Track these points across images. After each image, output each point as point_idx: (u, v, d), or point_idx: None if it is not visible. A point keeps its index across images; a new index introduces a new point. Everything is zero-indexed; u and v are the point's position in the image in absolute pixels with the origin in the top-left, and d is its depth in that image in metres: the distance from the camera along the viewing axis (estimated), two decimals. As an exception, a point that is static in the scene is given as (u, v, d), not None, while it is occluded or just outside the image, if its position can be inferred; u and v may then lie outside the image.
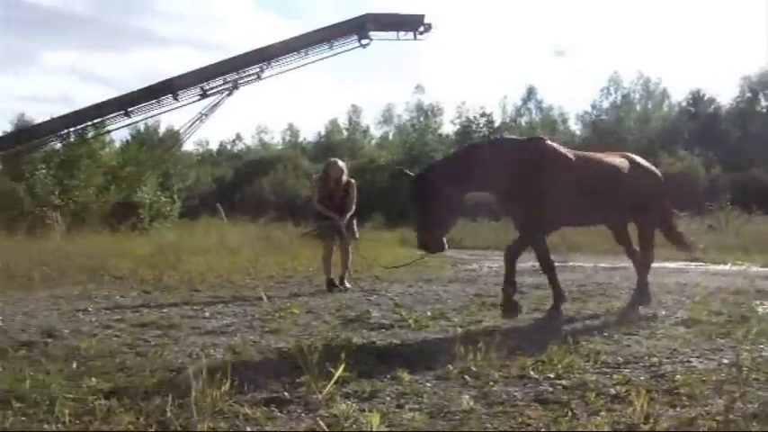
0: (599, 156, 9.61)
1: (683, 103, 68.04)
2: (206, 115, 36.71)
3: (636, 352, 6.45)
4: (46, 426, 4.26)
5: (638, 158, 9.86)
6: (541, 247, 8.77)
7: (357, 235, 12.89)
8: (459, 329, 7.73)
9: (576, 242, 22.39)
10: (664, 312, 8.85)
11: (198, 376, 4.60)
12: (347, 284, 12.23)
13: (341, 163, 12.76)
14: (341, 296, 11.01)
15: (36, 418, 4.39)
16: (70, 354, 6.37)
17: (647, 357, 6.19)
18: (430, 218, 8.05)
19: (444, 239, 8.12)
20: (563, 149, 8.97)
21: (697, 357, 6.23)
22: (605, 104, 68.55)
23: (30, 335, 7.52)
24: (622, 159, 9.55)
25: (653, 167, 9.91)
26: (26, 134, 36.98)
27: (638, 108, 67.75)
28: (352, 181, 12.66)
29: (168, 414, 4.36)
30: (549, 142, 9.03)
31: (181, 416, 4.36)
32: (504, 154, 8.52)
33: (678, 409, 4.64)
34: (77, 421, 4.35)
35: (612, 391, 5.03)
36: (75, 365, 5.75)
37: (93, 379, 5.19)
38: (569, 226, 10.91)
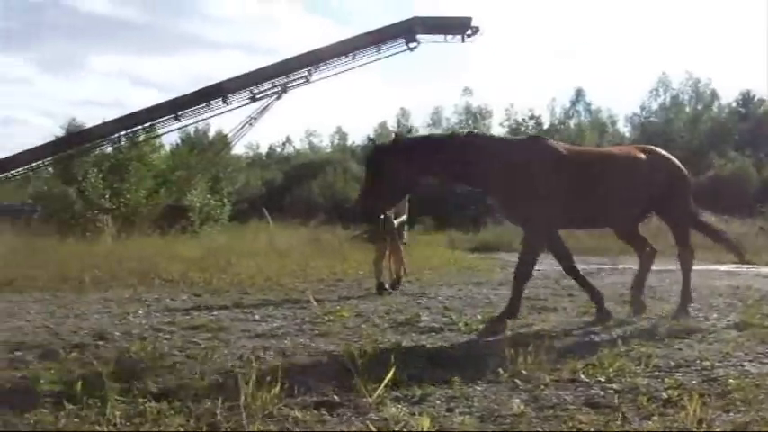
0: (603, 151, 9.56)
1: (734, 104, 67.26)
2: (255, 119, 36.83)
3: (688, 356, 6.37)
4: (97, 427, 4.28)
5: (661, 152, 9.54)
6: (531, 254, 8.45)
7: (406, 239, 12.89)
8: (510, 333, 7.66)
9: (625, 245, 22.22)
10: (716, 315, 8.76)
11: (248, 379, 4.60)
12: (391, 288, 12.28)
13: None
14: (390, 299, 10.99)
15: (87, 419, 4.41)
16: (121, 356, 6.41)
17: (699, 361, 6.11)
18: (372, 187, 8.10)
19: (385, 212, 8.14)
20: (559, 148, 8.68)
21: (750, 361, 6.15)
22: (654, 106, 67.95)
23: (81, 337, 7.59)
24: (635, 154, 9.24)
25: (676, 162, 9.41)
26: (78, 138, 37.33)
27: (687, 109, 66.97)
28: None
29: (218, 417, 4.37)
30: (549, 142, 8.82)
31: (231, 419, 4.36)
32: (490, 151, 8.35)
33: (731, 413, 4.57)
34: (128, 423, 4.37)
35: (664, 395, 4.96)
36: (125, 368, 5.78)
37: (144, 381, 5.20)
38: (574, 227, 10.45)
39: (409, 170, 8.05)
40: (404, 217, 12.62)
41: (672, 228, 9.37)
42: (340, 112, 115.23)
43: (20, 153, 35.82)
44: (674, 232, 9.32)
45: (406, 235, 12.92)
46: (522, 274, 8.30)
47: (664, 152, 9.48)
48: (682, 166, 9.38)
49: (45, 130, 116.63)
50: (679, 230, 9.33)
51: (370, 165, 8.24)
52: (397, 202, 8.28)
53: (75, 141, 36.74)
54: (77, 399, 4.68)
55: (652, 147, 9.62)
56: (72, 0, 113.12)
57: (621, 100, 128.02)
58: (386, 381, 4.82)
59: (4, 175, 35.91)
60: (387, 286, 12.15)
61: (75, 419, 4.41)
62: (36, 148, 35.87)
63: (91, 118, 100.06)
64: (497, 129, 66.65)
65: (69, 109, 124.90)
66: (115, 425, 4.31)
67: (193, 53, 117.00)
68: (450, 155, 8.21)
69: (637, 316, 8.78)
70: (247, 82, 36.01)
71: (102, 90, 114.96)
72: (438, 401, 4.92)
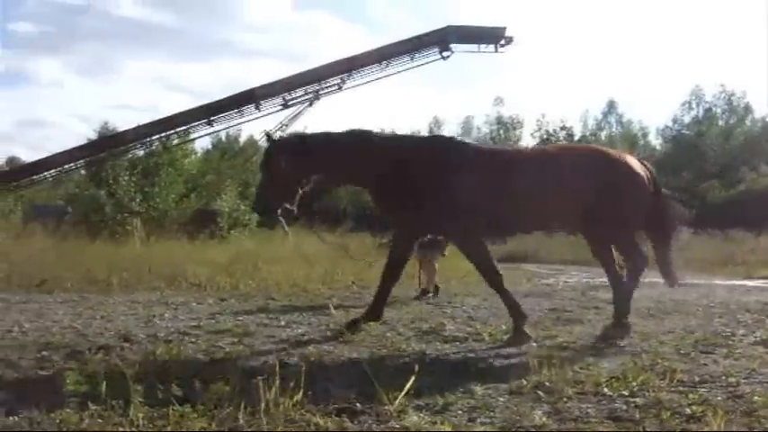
0: (522, 151, 9.24)
1: (767, 119, 66.77)
2: (287, 125, 36.83)
3: (713, 371, 6.30)
4: (120, 428, 4.32)
5: (603, 152, 8.87)
6: (477, 257, 8.33)
7: (446, 252, 12.97)
8: (534, 344, 7.63)
9: (653, 257, 22.12)
10: (742, 331, 8.67)
11: (271, 385, 4.61)
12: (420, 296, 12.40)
13: None
14: (415, 308, 10.99)
15: (111, 420, 4.44)
16: (146, 358, 6.45)
17: (724, 377, 6.04)
18: (267, 182, 8.34)
19: (282, 208, 8.18)
20: (463, 148, 8.56)
21: (776, 378, 6.07)
22: (687, 119, 67.40)
23: (107, 339, 7.65)
24: (564, 153, 8.97)
25: (622, 164, 8.46)
26: (111, 141, 37.54)
27: (720, 123, 66.44)
28: None
29: (240, 421, 4.39)
30: (454, 141, 8.77)
31: (253, 423, 4.39)
32: (379, 150, 8.38)
33: (756, 431, 4.51)
34: (151, 425, 4.41)
35: (688, 410, 4.91)
36: (150, 370, 5.82)
37: (168, 384, 5.23)
38: (490, 234, 9.38)
39: (302, 167, 8.18)
40: None
41: (610, 236, 8.60)
42: (371, 119, 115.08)
43: (54, 155, 36.07)
44: (616, 240, 8.61)
45: (446, 248, 12.95)
46: (493, 281, 8.22)
47: (609, 152, 8.94)
48: (632, 169, 8.44)
49: (78, 133, 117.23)
50: (621, 237, 8.54)
51: (265, 160, 8.42)
52: (291, 199, 8.29)
53: (109, 144, 36.95)
54: (102, 400, 4.72)
55: (596, 146, 9.34)
56: (107, 5, 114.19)
57: (654, 112, 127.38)
58: (407, 389, 4.83)
59: (38, 176, 36.21)
60: (420, 292, 12.52)
61: (99, 420, 4.45)
62: (70, 151, 36.10)
63: (124, 122, 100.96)
64: (528, 139, 66.64)
65: (103, 112, 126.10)
66: (138, 427, 4.35)
67: (227, 59, 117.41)
68: (340, 153, 8.33)
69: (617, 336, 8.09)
70: (280, 88, 36.06)
71: (136, 94, 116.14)
72: (460, 411, 4.92)
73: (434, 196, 8.02)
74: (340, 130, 8.55)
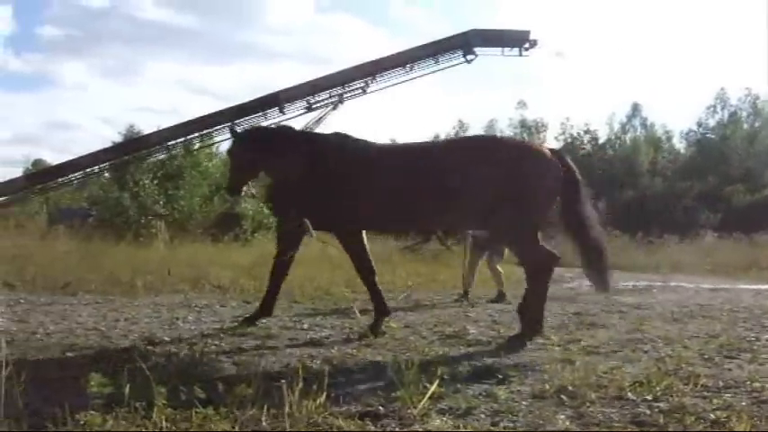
0: (413, 146, 9.10)
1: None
2: (311, 128, 37.00)
3: (737, 376, 6.25)
4: (143, 430, 4.32)
5: (509, 144, 8.74)
6: (350, 253, 8.82)
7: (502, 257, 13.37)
8: (557, 348, 7.58)
9: (678, 261, 22.01)
10: (767, 336, 8.59)
11: (294, 387, 4.61)
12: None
13: None
14: (439, 311, 10.98)
15: (134, 422, 4.44)
16: (169, 360, 6.47)
17: (749, 382, 5.97)
18: (231, 168, 9.53)
19: (243, 190, 9.52)
20: (351, 144, 8.68)
21: (801, 384, 6.00)
22: (711, 122, 66.93)
23: (131, 341, 7.68)
24: (459, 147, 8.74)
25: (530, 158, 7.92)
26: (135, 144, 37.75)
27: (745, 126, 65.91)
28: None
29: (263, 424, 4.39)
30: (347, 137, 8.79)
31: (276, 426, 4.38)
32: (283, 144, 8.89)
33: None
34: (174, 427, 4.41)
35: (712, 416, 4.86)
36: (173, 372, 5.84)
37: (191, 386, 5.24)
38: (376, 230, 10.27)
39: (246, 157, 9.12)
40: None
41: (504, 235, 8.47)
42: (396, 122, 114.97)
43: (80, 157, 36.44)
44: (508, 241, 8.44)
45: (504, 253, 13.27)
46: (366, 278, 8.86)
47: (504, 140, 9.00)
48: (529, 159, 7.90)
49: (102, 135, 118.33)
50: (511, 234, 8.15)
51: (229, 150, 9.72)
52: (244, 184, 9.13)
53: (134, 147, 37.15)
54: (125, 402, 4.73)
55: (492, 136, 9.35)
56: (129, 8, 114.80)
57: (679, 116, 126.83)
58: (431, 392, 4.82)
59: (63, 179, 36.46)
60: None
61: (123, 422, 4.45)
62: (95, 153, 36.41)
63: (147, 124, 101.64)
64: (552, 142, 66.47)
65: (126, 115, 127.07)
66: (161, 428, 4.35)
67: (250, 62, 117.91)
68: (263, 146, 8.95)
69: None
70: (304, 92, 36.23)
71: (158, 97, 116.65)
72: (483, 415, 4.90)
73: (314, 193, 8.43)
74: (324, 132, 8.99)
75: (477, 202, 7.79)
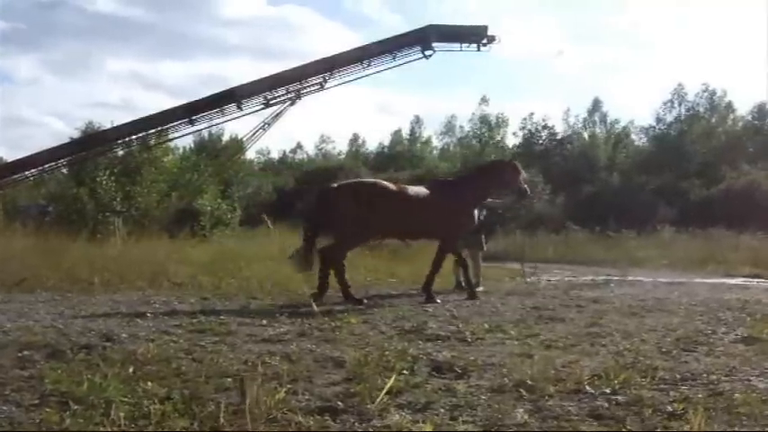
0: None
1: (748, 117, 67.08)
2: (269, 124, 36.87)
3: (694, 369, 6.32)
4: (101, 428, 4.29)
5: None
6: None
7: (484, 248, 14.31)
8: (516, 342, 7.64)
9: (636, 256, 22.23)
10: (723, 329, 8.71)
11: (252, 383, 4.61)
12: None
13: None
14: (398, 307, 10.98)
15: (92, 420, 4.42)
16: (127, 358, 6.42)
17: (705, 375, 6.06)
18: None
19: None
20: None
21: (757, 376, 6.09)
22: (669, 118, 67.41)
23: (89, 338, 7.60)
24: None
25: None
26: (92, 140, 37.38)
27: (702, 121, 66.51)
28: None
29: (222, 420, 4.38)
30: None
31: (234, 422, 4.37)
32: None
33: (736, 428, 4.55)
34: (132, 425, 4.38)
35: (669, 408, 4.92)
36: (131, 369, 5.79)
37: (149, 383, 5.21)
38: None
39: None
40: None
41: None
42: (353, 118, 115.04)
43: (36, 154, 35.94)
44: None
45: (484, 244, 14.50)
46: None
47: None
48: None
49: (57, 131, 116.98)
50: None
51: None
52: None
53: (92, 143, 36.79)
54: (83, 400, 4.71)
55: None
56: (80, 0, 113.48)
57: (638, 111, 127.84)
58: (388, 387, 4.83)
59: (18, 175, 36.05)
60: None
61: (80, 420, 4.43)
62: (53, 149, 35.98)
63: (101, 120, 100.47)
64: (511, 138, 66.88)
65: (79, 110, 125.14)
66: (119, 426, 4.32)
67: (203, 56, 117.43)
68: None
69: None
70: (261, 87, 36.04)
71: (113, 92, 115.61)
72: (442, 409, 4.90)
73: None
74: None
75: None
